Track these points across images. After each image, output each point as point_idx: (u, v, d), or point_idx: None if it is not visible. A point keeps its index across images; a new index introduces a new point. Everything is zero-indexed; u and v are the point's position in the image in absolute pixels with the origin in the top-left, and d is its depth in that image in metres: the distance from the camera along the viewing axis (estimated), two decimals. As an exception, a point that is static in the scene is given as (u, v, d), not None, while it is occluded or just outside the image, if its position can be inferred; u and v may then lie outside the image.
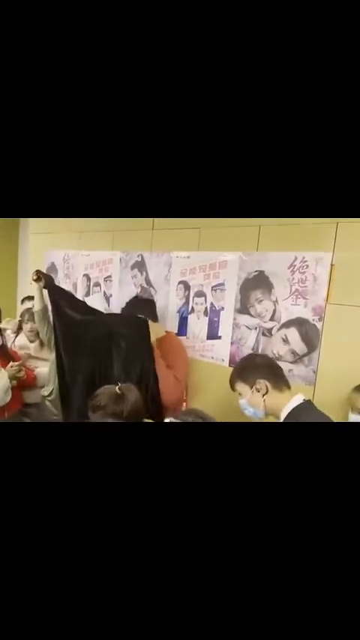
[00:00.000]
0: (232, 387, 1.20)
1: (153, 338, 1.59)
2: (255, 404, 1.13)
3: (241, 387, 1.16)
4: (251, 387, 1.13)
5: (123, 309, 1.80)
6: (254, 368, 1.15)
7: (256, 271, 1.69)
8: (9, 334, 2.25)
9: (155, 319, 1.73)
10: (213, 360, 1.83)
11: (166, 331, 1.76)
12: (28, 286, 2.99)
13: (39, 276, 1.77)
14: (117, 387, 1.20)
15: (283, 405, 1.09)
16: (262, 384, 1.11)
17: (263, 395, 1.11)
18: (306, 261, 1.54)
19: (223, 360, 1.81)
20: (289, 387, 1.13)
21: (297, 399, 1.09)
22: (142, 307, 1.73)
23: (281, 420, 1.09)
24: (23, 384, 1.91)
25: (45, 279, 1.77)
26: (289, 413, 1.07)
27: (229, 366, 1.78)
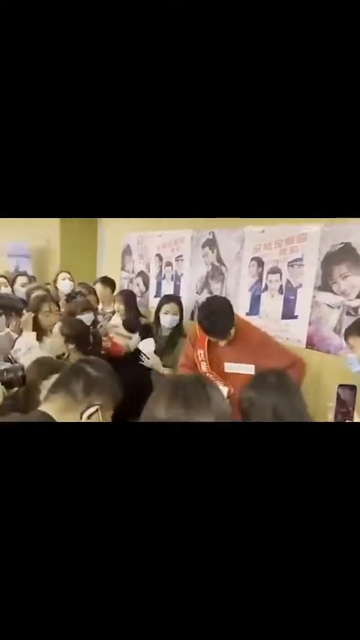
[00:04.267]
0: (346, 338, 1.11)
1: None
2: None
3: (354, 341, 1.09)
4: None
5: (200, 311, 1.55)
6: None
7: (341, 243, 1.51)
8: (107, 316, 2.41)
9: (230, 327, 1.45)
10: (288, 341, 1.71)
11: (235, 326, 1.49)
12: (106, 269, 3.18)
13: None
14: None
15: None
16: None
17: None
18: None
19: (299, 342, 1.68)
20: None
21: None
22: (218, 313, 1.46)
23: None
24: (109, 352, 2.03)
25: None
26: None
27: (306, 347, 1.65)
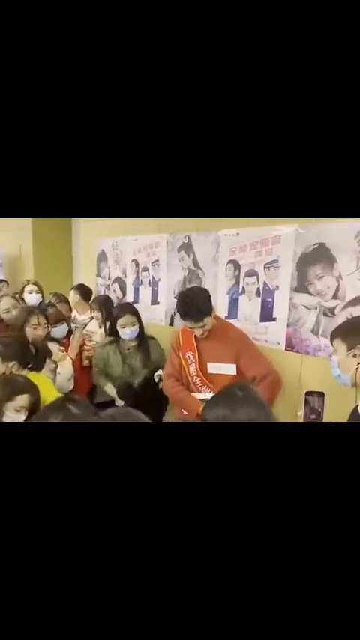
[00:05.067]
0: (331, 341, 1.10)
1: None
2: (345, 368, 1.02)
3: (338, 344, 1.05)
4: (349, 350, 1.01)
5: (177, 300, 1.61)
6: None
7: (315, 244, 1.51)
8: (83, 321, 2.33)
9: (205, 312, 1.50)
10: (267, 343, 1.70)
11: (215, 316, 1.60)
12: (82, 275, 3.10)
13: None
14: None
15: None
16: None
17: (359, 363, 0.99)
18: (376, 228, 1.33)
19: (278, 344, 1.67)
20: None
21: None
22: (195, 299, 1.52)
23: None
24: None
25: None
26: None
27: (286, 349, 1.64)
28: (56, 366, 1.67)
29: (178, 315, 2.15)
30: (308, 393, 1.06)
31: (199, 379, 1.57)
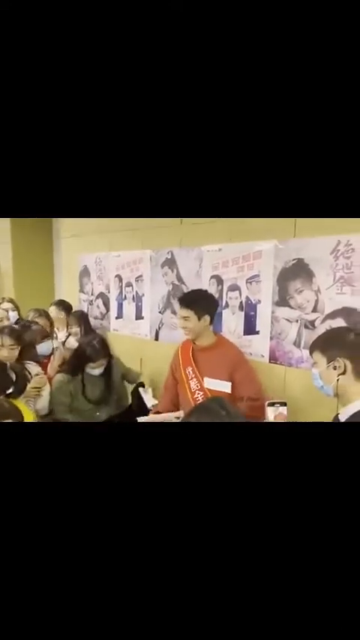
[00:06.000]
0: (310, 354, 1.09)
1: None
2: (327, 380, 1.02)
3: (317, 357, 1.05)
4: (328, 362, 1.01)
5: (180, 298, 1.62)
6: (340, 345, 1.02)
7: (294, 259, 1.57)
8: (61, 339, 2.29)
9: (204, 306, 1.53)
10: (252, 356, 1.73)
11: (214, 333, 1.61)
12: (64, 291, 3.07)
13: None
14: None
15: (357, 398, 0.97)
16: (342, 363, 0.99)
17: (339, 374, 0.99)
18: (351, 244, 1.40)
19: (262, 356, 1.71)
20: None
21: None
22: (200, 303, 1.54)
23: (347, 414, 0.97)
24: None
25: None
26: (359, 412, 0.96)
27: (270, 362, 1.68)
28: (38, 393, 1.63)
29: (164, 326, 2.18)
30: (270, 404, 1.07)
31: (201, 394, 1.55)
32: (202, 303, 1.53)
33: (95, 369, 1.75)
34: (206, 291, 1.66)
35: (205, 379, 1.57)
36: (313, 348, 1.10)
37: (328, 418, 1.09)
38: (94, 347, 1.73)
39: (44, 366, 1.81)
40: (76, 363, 1.76)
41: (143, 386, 1.98)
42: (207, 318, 1.53)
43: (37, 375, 1.65)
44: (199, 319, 1.52)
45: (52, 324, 2.28)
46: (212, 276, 1.91)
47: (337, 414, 1.03)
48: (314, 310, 1.52)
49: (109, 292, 2.59)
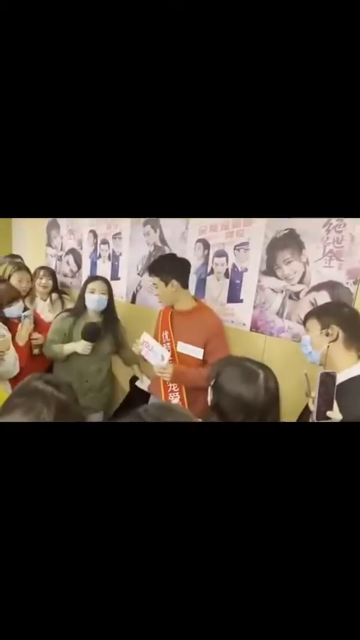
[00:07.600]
0: (304, 322, 1.15)
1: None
2: (317, 346, 1.08)
3: (312, 324, 1.10)
4: (322, 329, 1.07)
5: (148, 266, 1.62)
6: (336, 314, 1.08)
7: (285, 229, 1.56)
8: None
9: (186, 285, 1.56)
10: (233, 324, 1.74)
11: (195, 299, 1.63)
12: (27, 243, 2.80)
13: None
14: None
15: (343, 367, 1.03)
16: (335, 330, 1.05)
17: (330, 341, 1.05)
18: (343, 219, 1.41)
19: (244, 325, 1.73)
20: (358, 353, 1.06)
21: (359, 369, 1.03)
22: (170, 267, 1.54)
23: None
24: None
25: None
26: (346, 381, 1.01)
27: (251, 330, 1.70)
28: (1, 357, 1.49)
29: (142, 289, 2.11)
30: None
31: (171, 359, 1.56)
32: (167, 268, 1.51)
33: (95, 295, 1.70)
34: (174, 255, 1.62)
35: (179, 343, 1.58)
36: (308, 316, 1.14)
37: (301, 382, 1.12)
38: None
39: (14, 328, 1.66)
40: None
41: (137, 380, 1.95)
42: (174, 282, 1.51)
43: (2, 336, 1.51)
44: (166, 285, 1.51)
45: (32, 278, 2.05)
46: (198, 240, 1.84)
47: (305, 372, 1.01)
48: (300, 282, 1.55)
49: (81, 249, 2.42)
